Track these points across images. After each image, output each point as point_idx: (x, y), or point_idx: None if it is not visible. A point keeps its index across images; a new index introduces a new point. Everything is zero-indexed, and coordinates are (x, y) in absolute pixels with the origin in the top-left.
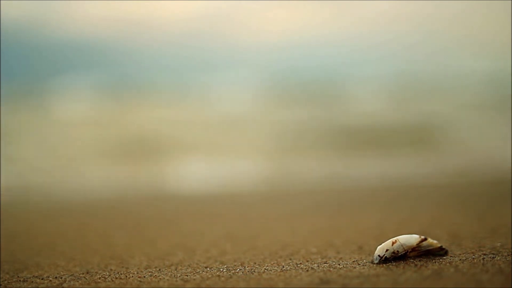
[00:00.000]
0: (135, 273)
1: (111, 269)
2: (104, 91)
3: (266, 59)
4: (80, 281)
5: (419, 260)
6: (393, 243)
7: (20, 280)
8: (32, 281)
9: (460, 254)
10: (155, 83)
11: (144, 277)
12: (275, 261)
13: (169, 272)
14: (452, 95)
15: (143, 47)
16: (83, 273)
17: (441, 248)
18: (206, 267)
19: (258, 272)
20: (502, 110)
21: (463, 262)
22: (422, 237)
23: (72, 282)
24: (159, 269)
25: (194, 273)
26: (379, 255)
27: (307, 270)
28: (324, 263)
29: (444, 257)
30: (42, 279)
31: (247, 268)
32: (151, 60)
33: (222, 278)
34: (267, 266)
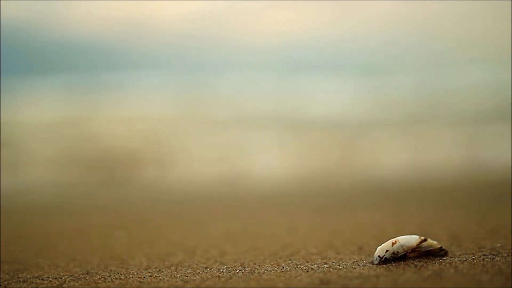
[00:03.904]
0: (135, 273)
1: (111, 270)
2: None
3: (266, 60)
4: (80, 282)
5: (419, 261)
6: (393, 243)
7: (20, 281)
8: (32, 282)
9: (460, 255)
10: (154, 83)
11: (144, 277)
12: (275, 262)
13: (169, 272)
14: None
15: (142, 48)
16: (83, 274)
17: (441, 248)
18: (206, 268)
19: (258, 272)
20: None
21: (463, 263)
22: (422, 237)
23: (72, 283)
24: (159, 270)
25: (194, 274)
26: (379, 256)
27: (307, 271)
28: (324, 264)
29: (444, 258)
30: (42, 279)
31: (247, 269)
32: (149, 60)
33: (222, 279)
34: (267, 266)
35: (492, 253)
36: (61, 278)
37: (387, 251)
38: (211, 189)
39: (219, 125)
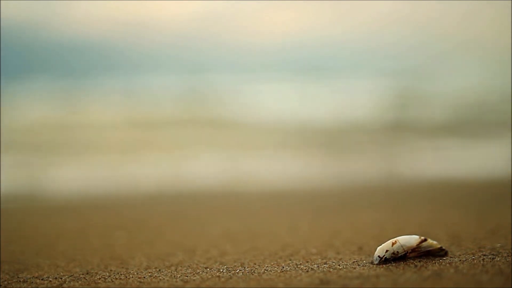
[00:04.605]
0: (135, 273)
1: (111, 270)
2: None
3: (266, 61)
4: (80, 282)
5: (419, 261)
6: (393, 243)
7: (20, 281)
8: (32, 282)
9: (460, 255)
10: (154, 85)
11: (144, 277)
12: (275, 262)
13: (169, 272)
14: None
15: (141, 48)
16: (83, 274)
17: (441, 249)
18: (206, 268)
19: (258, 272)
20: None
21: (463, 263)
22: (422, 237)
23: (72, 283)
24: (159, 270)
25: (194, 274)
26: (379, 256)
27: (307, 271)
28: (324, 264)
29: (444, 258)
30: (42, 279)
31: (247, 269)
32: (149, 61)
33: (222, 279)
34: (267, 266)
35: (492, 253)
36: (61, 278)
37: (387, 251)
38: (211, 190)
39: (220, 126)
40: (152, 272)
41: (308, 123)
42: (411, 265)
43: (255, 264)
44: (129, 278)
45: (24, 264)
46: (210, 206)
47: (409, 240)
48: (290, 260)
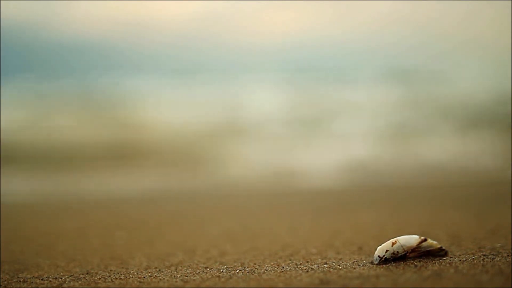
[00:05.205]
0: (135, 273)
1: (111, 270)
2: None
3: (267, 61)
4: (80, 282)
5: (419, 261)
6: (393, 243)
7: (20, 281)
8: (32, 282)
9: (460, 255)
10: (154, 86)
11: (144, 277)
12: (275, 262)
13: (169, 272)
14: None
15: (141, 48)
16: (83, 274)
17: (441, 249)
18: (206, 268)
19: (258, 272)
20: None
21: (463, 263)
22: (422, 237)
23: (72, 283)
24: (159, 270)
25: (194, 274)
26: (379, 256)
27: (307, 271)
28: (324, 264)
29: (444, 258)
30: (42, 279)
31: (247, 269)
32: (149, 61)
33: (222, 279)
34: (267, 266)
35: (492, 253)
36: (61, 278)
37: (387, 251)
38: (210, 190)
39: (219, 128)
40: (152, 272)
41: (307, 123)
42: (411, 265)
43: (255, 264)
44: (129, 278)
45: (24, 264)
46: (210, 206)
47: (409, 240)
48: (290, 260)
